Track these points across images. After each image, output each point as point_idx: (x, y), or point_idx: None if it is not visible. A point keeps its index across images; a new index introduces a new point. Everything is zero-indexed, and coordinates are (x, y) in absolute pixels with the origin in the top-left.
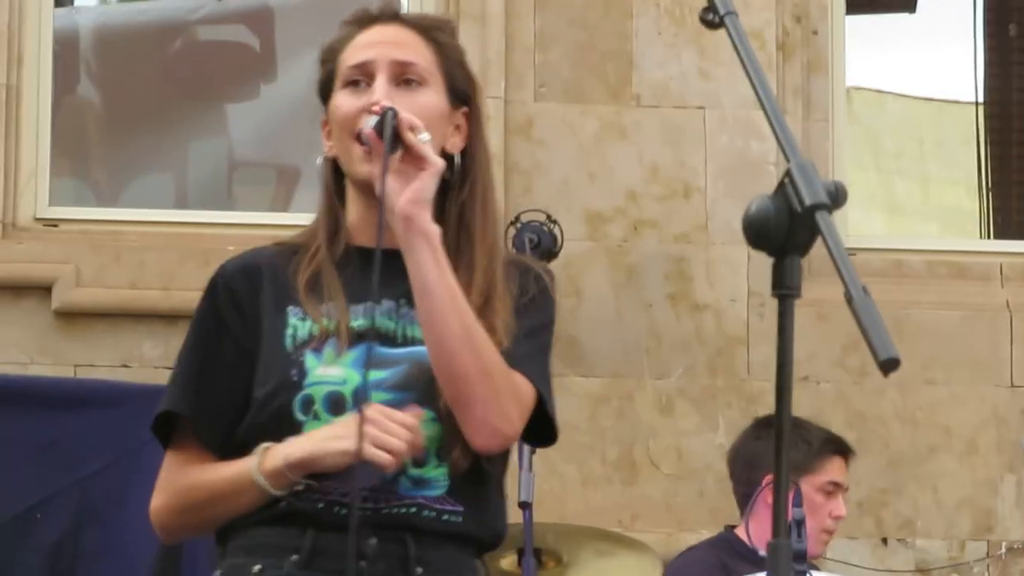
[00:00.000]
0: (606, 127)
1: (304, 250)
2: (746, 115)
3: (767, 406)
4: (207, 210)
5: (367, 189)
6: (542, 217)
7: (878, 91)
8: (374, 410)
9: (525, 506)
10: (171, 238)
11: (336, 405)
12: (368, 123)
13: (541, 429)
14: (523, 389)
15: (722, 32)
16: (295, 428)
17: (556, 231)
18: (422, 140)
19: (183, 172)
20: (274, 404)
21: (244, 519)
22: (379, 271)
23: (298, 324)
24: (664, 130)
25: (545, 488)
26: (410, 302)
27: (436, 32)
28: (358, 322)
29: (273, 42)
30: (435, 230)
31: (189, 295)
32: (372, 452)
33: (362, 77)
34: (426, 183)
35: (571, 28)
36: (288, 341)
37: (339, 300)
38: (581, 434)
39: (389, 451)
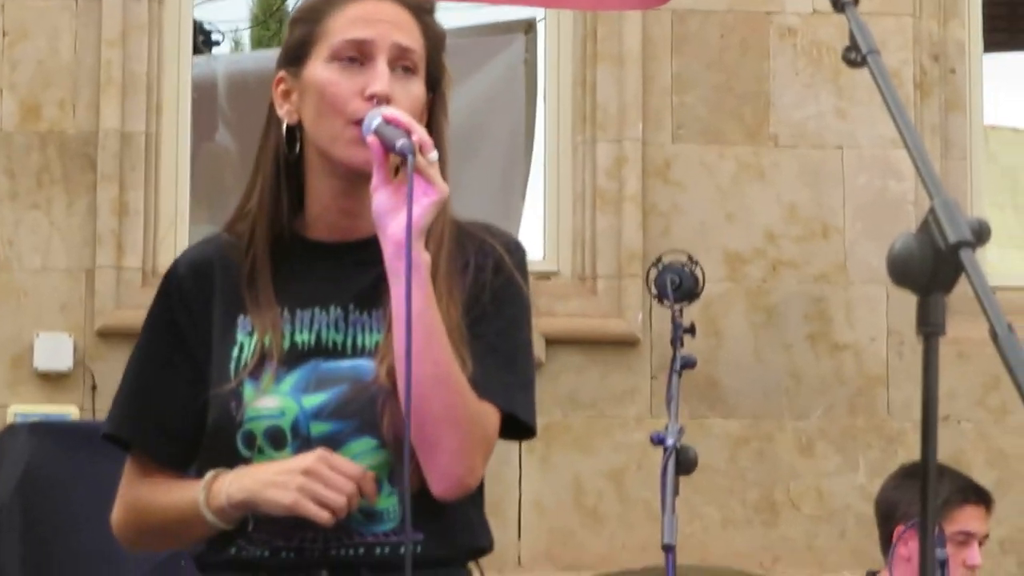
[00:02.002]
0: (744, 168)
1: (244, 239)
2: (884, 154)
3: (907, 446)
4: None
5: (349, 174)
6: (683, 258)
7: (1015, 129)
8: (317, 461)
9: (668, 549)
10: None
11: (276, 440)
12: (372, 120)
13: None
14: (490, 425)
15: (859, 71)
16: (243, 463)
17: (698, 272)
18: (431, 160)
19: None
20: (220, 439)
21: (202, 560)
22: (332, 267)
23: (245, 341)
24: (802, 170)
25: (687, 531)
26: (360, 306)
27: (426, 14)
28: (302, 336)
29: None
30: (426, 260)
31: None
32: (309, 509)
33: (358, 56)
34: (427, 210)
35: (708, 70)
36: (232, 365)
37: (272, 309)
38: (721, 476)
39: (329, 508)
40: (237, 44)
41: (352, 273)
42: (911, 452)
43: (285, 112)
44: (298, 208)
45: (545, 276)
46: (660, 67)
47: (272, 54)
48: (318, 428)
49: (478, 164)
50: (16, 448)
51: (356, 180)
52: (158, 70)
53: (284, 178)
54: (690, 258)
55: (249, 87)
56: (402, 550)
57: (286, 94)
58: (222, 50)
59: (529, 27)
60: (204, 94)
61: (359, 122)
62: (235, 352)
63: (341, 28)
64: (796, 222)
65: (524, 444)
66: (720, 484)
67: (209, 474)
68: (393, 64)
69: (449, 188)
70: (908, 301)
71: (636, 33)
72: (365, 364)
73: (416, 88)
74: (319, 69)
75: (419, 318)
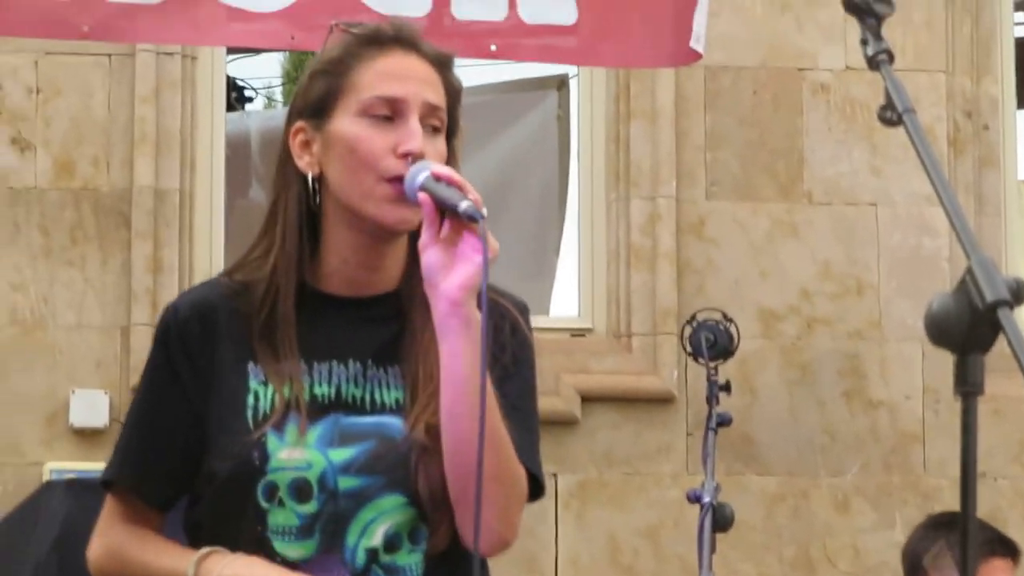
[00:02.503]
0: (778, 225)
1: (257, 288)
2: (918, 212)
3: (944, 503)
4: None
5: (375, 230)
6: (718, 316)
7: None
8: None
9: None
10: None
11: (301, 493)
12: (417, 176)
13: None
14: (525, 484)
15: (892, 129)
16: (260, 515)
17: (732, 330)
18: (484, 215)
19: None
20: (237, 490)
21: None
22: (349, 321)
23: (259, 390)
24: (836, 227)
25: None
26: (378, 362)
27: (447, 69)
28: (321, 389)
29: None
30: (477, 319)
31: None
32: None
33: (390, 113)
34: (480, 271)
35: (741, 126)
36: (249, 414)
37: (294, 360)
38: (757, 533)
39: None
40: (270, 100)
41: (369, 328)
42: (947, 508)
43: (306, 164)
44: (312, 259)
45: (580, 333)
46: (693, 123)
47: None
48: (346, 483)
49: (511, 220)
50: (52, 505)
51: (381, 236)
52: (192, 126)
53: (306, 229)
54: (724, 316)
55: (278, 141)
56: None
57: (305, 145)
58: (255, 106)
59: (562, 83)
60: (237, 150)
61: (392, 179)
62: (250, 400)
63: (371, 83)
64: (830, 279)
65: (560, 501)
66: (756, 541)
67: (203, 551)
68: (423, 122)
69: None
70: (943, 358)
71: (669, 89)
72: (390, 421)
73: (441, 145)
74: (347, 123)
75: (471, 377)
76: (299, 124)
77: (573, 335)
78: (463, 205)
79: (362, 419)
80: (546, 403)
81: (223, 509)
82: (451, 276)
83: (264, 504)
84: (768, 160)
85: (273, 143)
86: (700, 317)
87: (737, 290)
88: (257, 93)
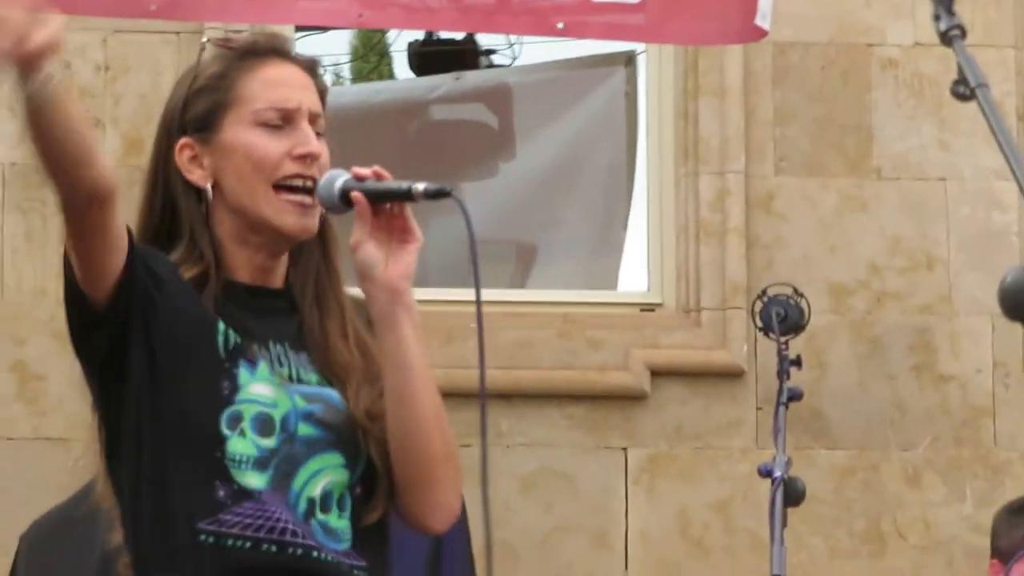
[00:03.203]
0: (846, 200)
1: (185, 272)
2: (987, 186)
3: (1014, 476)
4: (448, 288)
5: (271, 238)
6: (788, 291)
7: None
8: None
9: None
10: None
11: (264, 427)
12: (335, 181)
13: None
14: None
15: (961, 104)
16: (219, 441)
17: (803, 304)
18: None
19: (423, 250)
20: (200, 420)
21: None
22: (269, 311)
23: (228, 333)
24: (905, 202)
25: (794, 561)
26: (294, 347)
27: (317, 77)
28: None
29: (511, 120)
30: (415, 305)
31: (434, 373)
32: None
33: (281, 122)
34: (415, 258)
35: (810, 102)
36: (220, 341)
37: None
38: (827, 507)
39: None
40: (338, 77)
41: (278, 316)
42: (1018, 482)
43: (199, 177)
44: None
45: (649, 308)
46: (762, 99)
47: (373, 87)
48: (304, 429)
49: (578, 196)
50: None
51: (277, 243)
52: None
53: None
54: (795, 291)
55: (349, 120)
56: (356, 573)
57: (194, 159)
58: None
59: (629, 60)
60: None
61: (291, 188)
62: (220, 332)
63: (260, 93)
64: (900, 254)
65: (631, 476)
66: (826, 515)
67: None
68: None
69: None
70: (1013, 333)
71: (737, 65)
72: (330, 392)
73: (326, 149)
74: (241, 133)
75: (418, 360)
76: (184, 140)
77: (642, 310)
78: (419, 187)
79: (302, 387)
80: (616, 378)
81: (184, 434)
82: (390, 267)
83: (225, 431)
84: (837, 136)
85: (340, 120)
86: (771, 292)
87: (806, 265)
88: (325, 70)
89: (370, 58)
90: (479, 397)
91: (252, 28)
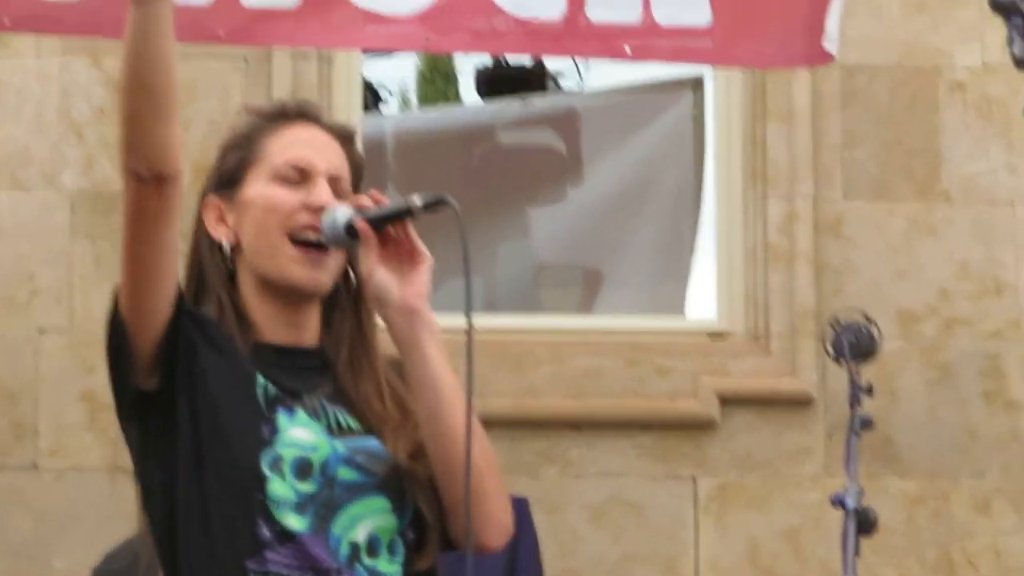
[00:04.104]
0: (915, 224)
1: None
2: None
3: None
4: (515, 314)
5: (289, 291)
6: (860, 317)
7: None
8: None
9: None
10: (481, 344)
11: (303, 471)
12: (335, 215)
13: None
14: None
15: None
16: (260, 481)
17: (875, 331)
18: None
19: (491, 276)
20: (242, 462)
21: None
22: (301, 369)
23: (266, 384)
24: (974, 226)
25: None
26: (331, 400)
27: (351, 146)
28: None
29: (579, 145)
30: (435, 321)
31: (502, 401)
32: None
33: (299, 178)
34: (428, 278)
35: (878, 126)
36: (260, 393)
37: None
38: (898, 536)
39: None
40: (405, 102)
41: (311, 374)
42: None
43: (223, 233)
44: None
45: (719, 335)
46: (830, 123)
47: (441, 112)
48: (345, 473)
49: (646, 220)
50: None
51: (294, 299)
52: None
53: (230, 293)
54: (867, 317)
55: (416, 145)
56: None
57: (220, 218)
58: (390, 108)
59: (697, 84)
60: (373, 152)
61: (302, 242)
62: (258, 388)
63: (281, 150)
64: (969, 279)
65: (700, 504)
66: (896, 544)
67: None
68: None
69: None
70: None
71: (805, 89)
72: (370, 440)
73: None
74: (260, 187)
75: (446, 376)
76: (211, 199)
77: (712, 338)
78: (417, 201)
79: (343, 438)
80: (684, 406)
81: (226, 471)
82: (405, 288)
83: (266, 472)
84: (905, 159)
85: (408, 145)
86: (842, 318)
87: (875, 290)
88: (392, 95)
89: (436, 82)
90: (466, 422)
91: (320, 54)
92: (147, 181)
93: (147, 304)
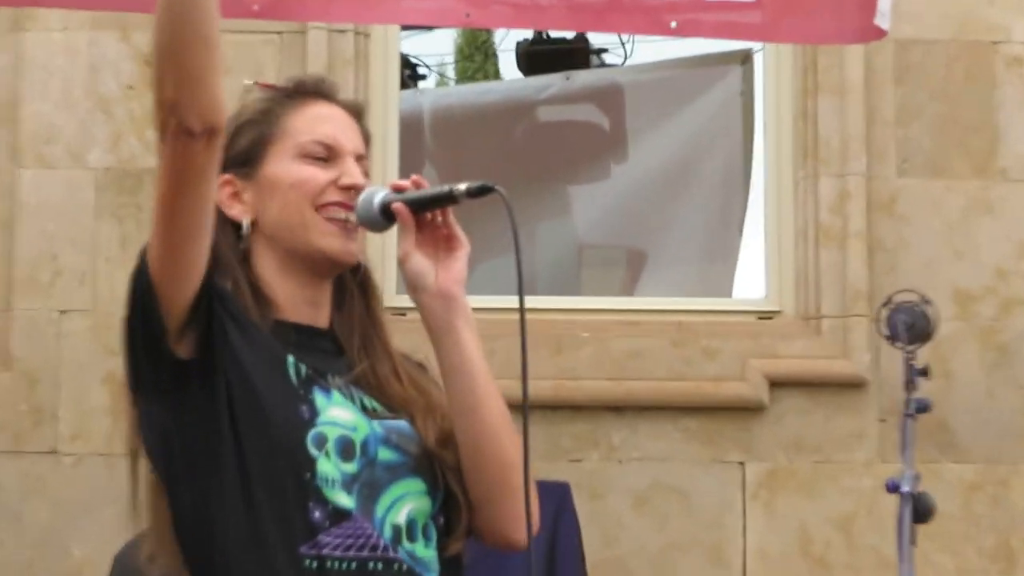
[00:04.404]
0: (972, 202)
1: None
2: None
3: None
4: (556, 295)
5: (315, 265)
6: (915, 297)
7: None
8: None
9: None
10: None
11: (346, 451)
12: (374, 196)
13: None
14: None
15: None
16: (310, 462)
17: (931, 312)
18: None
19: (531, 256)
20: (287, 443)
21: None
22: (320, 350)
23: (297, 363)
24: None
25: None
26: (353, 384)
27: (363, 122)
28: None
29: (623, 121)
30: (470, 308)
31: (542, 383)
32: None
33: (326, 155)
34: (465, 264)
35: (932, 101)
36: (292, 372)
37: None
38: (955, 523)
39: None
40: (442, 78)
41: (329, 356)
42: None
43: (239, 212)
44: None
45: (767, 315)
46: (883, 98)
47: (481, 87)
48: (385, 454)
49: (693, 198)
50: None
51: (318, 272)
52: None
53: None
54: (923, 297)
55: (455, 122)
56: None
57: (235, 196)
58: (428, 84)
59: (745, 58)
60: (411, 129)
61: (333, 219)
62: (291, 364)
63: (306, 127)
64: None
65: (748, 490)
66: (954, 531)
67: None
68: None
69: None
70: None
71: (858, 64)
72: (404, 423)
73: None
74: (285, 165)
75: (481, 364)
76: (225, 177)
77: (760, 317)
78: (460, 187)
79: (377, 415)
80: (733, 389)
81: (275, 459)
82: (441, 274)
83: (314, 451)
84: (961, 136)
85: (446, 121)
86: (896, 299)
87: (930, 270)
88: (430, 70)
89: (476, 58)
90: (522, 406)
91: (356, 28)
92: (198, 136)
93: (184, 264)
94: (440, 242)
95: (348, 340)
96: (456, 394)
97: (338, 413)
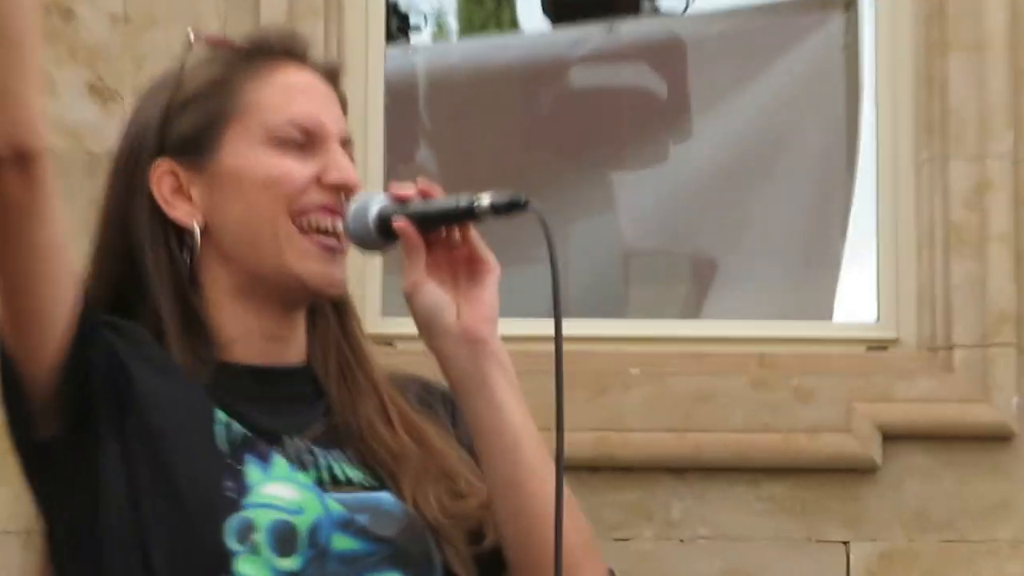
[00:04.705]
0: None
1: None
2: None
3: None
4: (597, 318)
5: (284, 294)
6: None
7: None
8: None
9: None
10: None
11: (284, 542)
12: (369, 205)
13: None
14: None
15: None
16: (224, 559)
17: None
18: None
19: (563, 266)
20: (199, 521)
21: None
22: (283, 398)
23: (228, 422)
24: None
25: None
26: (323, 442)
27: (339, 87)
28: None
29: (684, 86)
30: (506, 354)
31: (579, 436)
32: None
33: (303, 141)
34: (495, 293)
35: None
36: (221, 434)
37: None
38: None
39: None
40: (441, 29)
41: (294, 405)
42: None
43: (185, 213)
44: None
45: (880, 345)
46: None
47: (494, 43)
48: (341, 542)
49: (778, 190)
50: None
51: (290, 302)
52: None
53: (185, 298)
54: None
55: (458, 88)
56: None
57: (178, 191)
58: (423, 38)
59: (849, 2)
60: (400, 98)
61: (312, 227)
62: (220, 425)
63: (276, 102)
64: None
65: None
66: None
67: None
68: None
69: None
70: None
71: (1000, 10)
72: (378, 495)
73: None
74: (251, 153)
75: (525, 427)
76: (164, 164)
77: (871, 348)
78: (484, 200)
79: (339, 493)
80: (833, 443)
81: (179, 549)
82: (465, 311)
83: (233, 545)
84: None
85: (448, 87)
86: None
87: None
88: (426, 20)
89: (487, 2)
90: (556, 464)
91: None
92: (5, 164)
93: (30, 327)
94: (460, 266)
95: (324, 372)
96: (494, 465)
97: (275, 490)
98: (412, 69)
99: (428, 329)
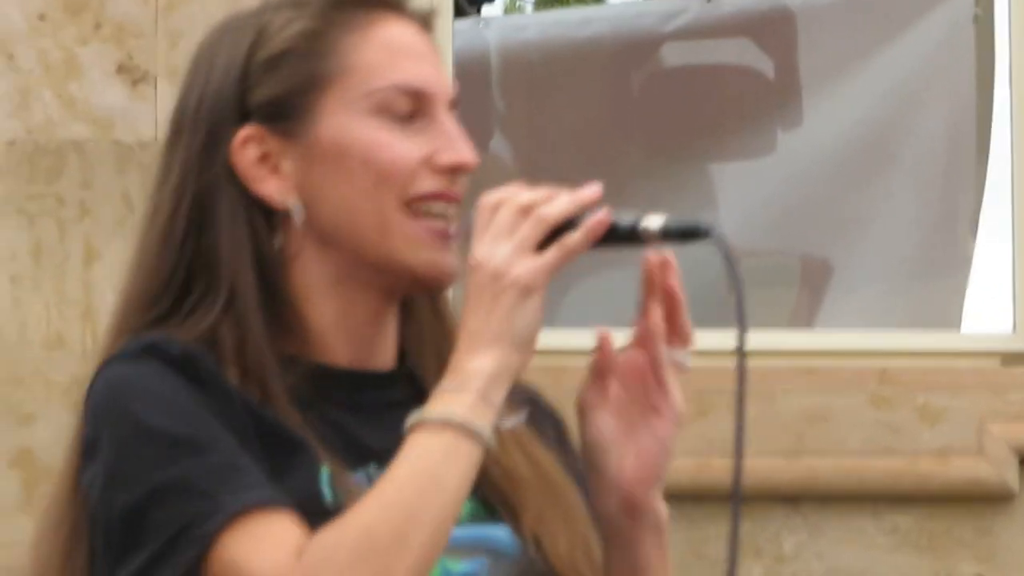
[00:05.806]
0: None
1: (231, 359)
2: None
3: None
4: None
5: (390, 280)
6: None
7: None
8: None
9: None
10: None
11: None
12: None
13: None
14: None
15: None
16: None
17: None
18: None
19: None
20: None
21: None
22: (350, 408)
23: (330, 472)
24: None
25: None
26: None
27: (434, 37)
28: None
29: (795, 67)
30: (665, 518)
31: (677, 462)
32: None
33: (411, 110)
34: (667, 448)
35: None
36: (324, 483)
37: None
38: None
39: None
40: (515, 3)
41: (394, 415)
42: None
43: (275, 189)
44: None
45: (1017, 359)
46: None
47: (577, 14)
48: None
49: (901, 182)
50: None
51: (392, 291)
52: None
53: (270, 285)
54: None
55: (537, 67)
56: None
57: (265, 160)
58: (495, 10)
59: None
60: (471, 78)
61: (424, 212)
62: (323, 478)
63: (381, 65)
64: None
65: None
66: None
67: None
68: None
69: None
70: None
71: None
72: (491, 531)
73: None
74: (354, 125)
75: None
76: (250, 130)
77: (1005, 362)
78: (653, 223)
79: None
80: (965, 468)
81: None
82: (627, 462)
83: None
84: None
85: (524, 67)
86: None
87: None
88: None
89: None
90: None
91: None
92: None
93: None
94: (640, 400)
95: (425, 377)
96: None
97: None
98: (484, 45)
99: (588, 460)
